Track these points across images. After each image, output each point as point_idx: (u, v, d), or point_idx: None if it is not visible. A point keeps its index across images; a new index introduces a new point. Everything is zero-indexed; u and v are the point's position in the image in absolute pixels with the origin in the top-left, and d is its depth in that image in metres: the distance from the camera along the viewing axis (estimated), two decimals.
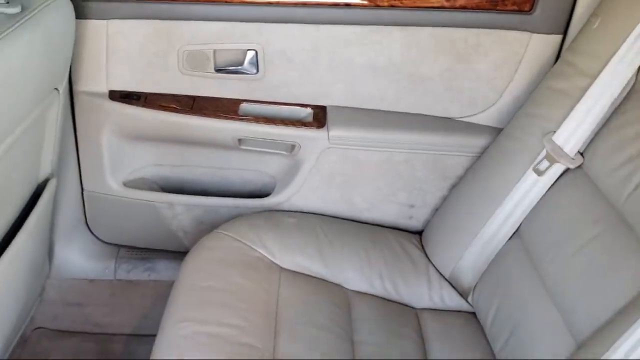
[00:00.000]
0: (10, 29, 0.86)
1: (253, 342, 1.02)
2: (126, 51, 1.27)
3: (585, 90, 1.09)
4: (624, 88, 1.05)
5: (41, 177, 1.15)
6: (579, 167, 1.09)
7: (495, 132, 1.30)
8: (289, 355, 1.02)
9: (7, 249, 1.01)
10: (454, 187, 1.36)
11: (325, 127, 1.33)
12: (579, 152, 1.10)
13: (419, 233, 1.41)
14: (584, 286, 0.95)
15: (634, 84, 1.05)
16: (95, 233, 1.51)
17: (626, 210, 0.96)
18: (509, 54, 1.28)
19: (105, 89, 1.31)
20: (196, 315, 1.04)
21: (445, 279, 1.29)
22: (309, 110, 1.35)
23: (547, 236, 1.09)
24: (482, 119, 1.34)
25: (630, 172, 0.97)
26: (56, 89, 1.08)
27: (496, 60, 1.28)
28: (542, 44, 1.26)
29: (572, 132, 1.10)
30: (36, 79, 0.97)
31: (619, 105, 1.06)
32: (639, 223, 0.92)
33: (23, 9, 0.92)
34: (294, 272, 1.22)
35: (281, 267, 1.22)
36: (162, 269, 1.50)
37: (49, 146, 1.14)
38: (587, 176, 1.08)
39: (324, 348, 1.06)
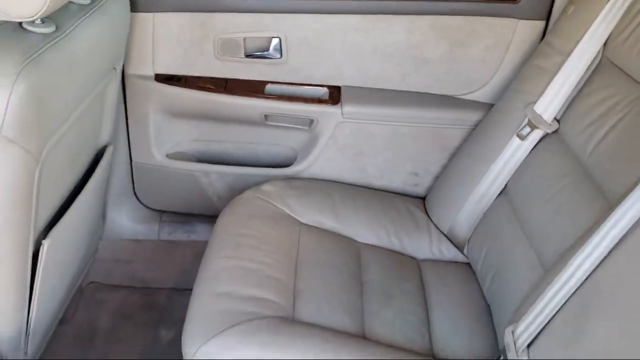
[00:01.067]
0: (85, 16, 1.08)
1: (277, 275, 1.23)
2: (169, 40, 1.50)
3: (560, 66, 1.27)
4: (592, 63, 1.24)
5: (100, 144, 1.38)
6: (555, 131, 1.28)
7: (488, 107, 1.49)
8: (306, 287, 1.22)
9: (72, 205, 1.23)
10: (452, 156, 1.55)
11: (339, 104, 1.53)
12: (555, 118, 1.28)
13: (423, 199, 1.61)
14: (553, 227, 1.13)
15: (600, 59, 1.24)
16: (141, 200, 1.74)
17: (589, 164, 1.14)
18: (499, 38, 1.47)
19: (151, 72, 1.53)
20: (230, 254, 1.25)
21: (444, 234, 1.48)
22: (325, 89, 1.56)
23: (528, 191, 1.27)
24: (477, 96, 1.53)
25: (593, 133, 1.15)
26: (114, 68, 1.31)
27: (488, 44, 1.47)
28: (527, 29, 1.45)
29: (550, 102, 1.28)
30: (101, 59, 1.19)
31: (588, 78, 1.24)
32: (598, 173, 1.10)
33: (92, 1, 1.14)
34: (312, 226, 1.42)
35: (301, 222, 1.42)
36: (199, 231, 1.72)
37: (107, 118, 1.37)
38: (561, 139, 1.26)
39: (336, 283, 1.26)
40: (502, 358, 1.04)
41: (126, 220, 1.73)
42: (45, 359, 1.36)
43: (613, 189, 1.02)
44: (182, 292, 1.71)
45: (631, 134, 1.06)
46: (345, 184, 1.61)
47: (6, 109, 0.85)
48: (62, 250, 1.19)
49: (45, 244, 1.07)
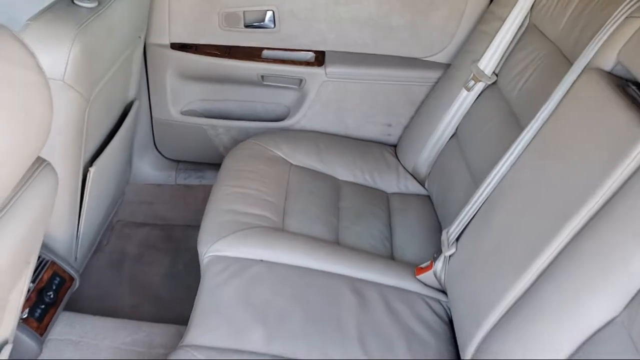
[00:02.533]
0: None
1: (270, 199, 1.55)
2: (182, 14, 1.81)
3: (498, 29, 1.57)
4: (521, 27, 1.54)
5: (129, 98, 1.70)
6: (494, 83, 1.58)
7: (446, 67, 1.79)
8: (293, 208, 1.54)
9: (108, 144, 1.55)
10: (418, 109, 1.86)
11: (323, 66, 1.84)
12: (494, 72, 1.59)
13: (395, 146, 1.92)
14: (484, 153, 1.44)
15: (527, 24, 1.54)
16: (160, 151, 2.07)
17: (513, 104, 1.44)
18: (455, 8, 1.76)
19: (167, 42, 1.85)
20: (233, 183, 1.58)
21: (409, 172, 1.79)
22: (311, 54, 1.87)
23: (471, 130, 1.58)
24: (438, 58, 1.84)
25: (518, 81, 1.46)
26: (139, 37, 1.62)
27: (445, 14, 1.77)
28: (477, 1, 1.74)
29: (489, 59, 1.58)
30: (129, 28, 1.51)
31: (519, 39, 1.54)
32: (518, 110, 1.41)
33: None
34: (300, 166, 1.74)
35: (291, 163, 1.74)
36: (209, 176, 2.05)
37: (133, 78, 1.69)
38: (498, 88, 1.56)
39: (317, 206, 1.58)
40: (437, 255, 1.36)
41: (148, 168, 2.06)
42: (87, 278, 1.69)
43: (526, 120, 1.33)
44: (196, 227, 2.03)
45: (540, 80, 1.37)
46: (329, 134, 1.93)
47: (67, 62, 1.17)
48: (102, 178, 1.52)
49: (92, 170, 1.40)
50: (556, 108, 1.15)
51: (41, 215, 0.86)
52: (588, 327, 0.89)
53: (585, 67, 1.14)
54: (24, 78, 0.68)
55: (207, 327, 1.18)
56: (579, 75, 1.14)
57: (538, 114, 1.20)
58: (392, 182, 1.78)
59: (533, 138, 1.19)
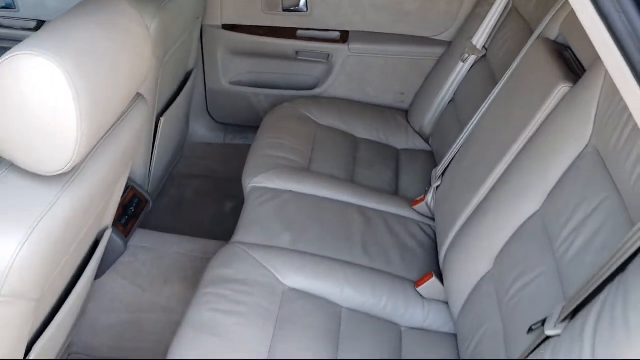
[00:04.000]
0: None
1: (300, 148, 1.94)
2: (234, 0, 2.21)
3: (488, 12, 1.91)
4: (505, 9, 1.87)
5: (189, 68, 2.12)
6: (484, 56, 1.92)
7: (449, 44, 2.14)
8: (318, 156, 1.92)
9: (174, 102, 1.96)
10: (426, 79, 2.22)
11: (347, 43, 2.22)
12: (484, 47, 1.93)
13: (407, 112, 2.28)
14: (470, 108, 1.78)
15: (510, 7, 1.87)
16: (212, 115, 2.49)
17: (497, 72, 1.79)
18: None
19: (219, 23, 2.26)
20: (270, 135, 1.98)
21: (417, 132, 2.15)
22: (337, 33, 2.26)
23: (464, 96, 1.93)
24: (443, 37, 2.19)
25: (499, 51, 1.80)
26: (198, 18, 2.04)
27: (449, 0, 2.12)
28: None
29: (480, 36, 1.93)
30: (192, 10, 1.92)
31: (504, 19, 1.88)
32: (497, 71, 1.75)
33: None
34: (325, 126, 2.12)
35: (318, 123, 2.12)
36: (251, 137, 2.42)
37: (193, 51, 2.10)
38: (487, 60, 1.91)
39: (338, 156, 1.96)
40: (428, 188, 1.73)
41: (202, 130, 2.49)
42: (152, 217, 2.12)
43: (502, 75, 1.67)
44: (240, 179, 2.45)
45: (515, 52, 1.70)
46: (351, 100, 2.31)
47: (149, 32, 1.58)
48: (168, 127, 1.93)
49: (162, 120, 1.82)
50: (514, 70, 1.50)
51: (136, 137, 1.24)
52: (519, 218, 1.25)
53: (537, 37, 1.48)
54: (133, 28, 1.07)
55: (248, 232, 1.58)
56: (532, 44, 1.48)
57: (504, 75, 1.55)
58: (402, 140, 2.14)
59: (497, 94, 1.55)
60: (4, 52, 2.22)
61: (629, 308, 0.78)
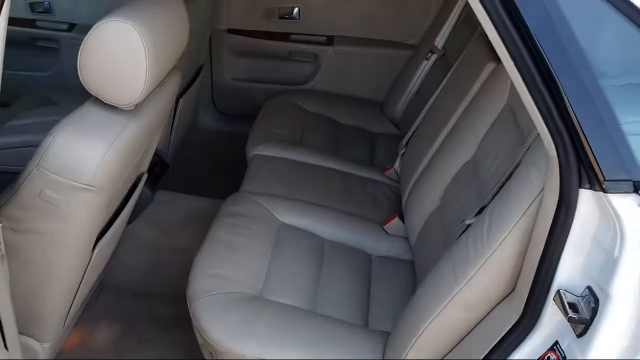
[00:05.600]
0: None
1: (290, 127, 2.36)
2: (236, 9, 2.65)
3: (446, 19, 2.37)
4: (462, 12, 2.32)
5: (200, 63, 2.54)
6: (444, 55, 2.37)
7: (417, 47, 2.59)
8: (308, 135, 2.34)
9: (188, 89, 2.37)
10: (397, 76, 2.66)
11: (332, 46, 2.67)
12: (444, 47, 2.37)
13: (381, 103, 2.71)
14: (441, 99, 2.22)
15: (465, 14, 2.32)
16: (217, 107, 2.91)
17: (452, 64, 2.22)
18: (423, 6, 2.57)
19: (226, 27, 2.70)
20: (267, 118, 2.39)
21: (389, 119, 2.59)
22: (324, 37, 2.71)
23: (428, 88, 2.37)
24: (412, 41, 2.65)
25: (457, 48, 2.24)
26: (209, 21, 2.47)
27: (417, 11, 2.58)
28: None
29: (441, 38, 2.37)
30: (204, 13, 2.34)
31: (462, 20, 2.33)
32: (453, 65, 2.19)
33: None
34: (313, 112, 2.54)
35: (307, 110, 2.55)
36: (250, 125, 2.86)
37: (203, 49, 2.52)
38: (447, 58, 2.35)
39: (323, 137, 2.38)
40: (395, 157, 2.15)
41: (209, 119, 2.90)
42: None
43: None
44: (240, 160, 2.85)
45: (465, 45, 2.14)
46: (335, 93, 2.74)
47: None
48: (185, 108, 2.33)
49: (181, 100, 2.22)
50: (460, 60, 1.95)
51: (172, 96, 1.65)
52: (457, 165, 1.67)
53: (479, 32, 1.93)
54: (178, 13, 1.48)
55: (252, 185, 1.99)
56: (474, 38, 1.93)
57: (454, 64, 2.00)
58: (377, 126, 2.58)
59: (447, 79, 1.99)
60: (42, 50, 2.81)
61: (504, 197, 1.20)
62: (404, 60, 2.64)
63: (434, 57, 2.39)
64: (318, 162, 2.18)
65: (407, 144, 2.14)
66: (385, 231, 1.89)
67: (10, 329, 1.21)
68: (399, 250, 1.85)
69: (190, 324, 1.58)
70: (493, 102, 1.62)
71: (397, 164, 2.14)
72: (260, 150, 2.19)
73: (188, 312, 1.55)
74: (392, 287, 1.70)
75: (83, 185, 1.21)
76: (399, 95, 2.54)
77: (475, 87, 1.72)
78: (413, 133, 2.12)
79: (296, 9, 2.65)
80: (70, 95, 2.20)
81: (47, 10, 2.72)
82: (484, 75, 1.70)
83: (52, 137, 1.20)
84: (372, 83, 2.72)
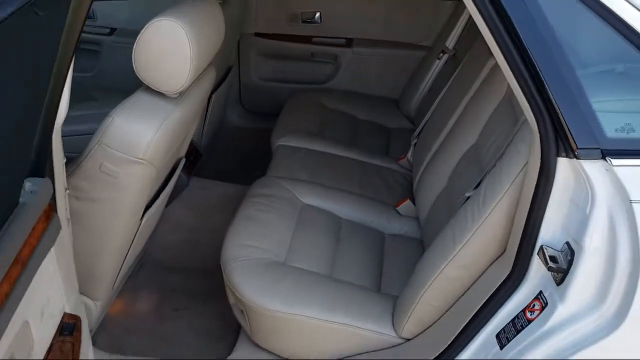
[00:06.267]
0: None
1: (312, 121, 2.56)
2: (263, 14, 2.87)
3: (457, 22, 2.55)
4: (470, 18, 2.51)
5: (230, 63, 2.76)
6: (455, 54, 2.56)
7: (431, 48, 2.79)
8: (327, 128, 2.55)
9: (219, 87, 2.59)
10: (412, 75, 2.85)
11: (351, 47, 2.88)
12: (454, 47, 2.56)
13: (397, 100, 2.91)
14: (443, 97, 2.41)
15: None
16: (243, 105, 3.13)
17: (460, 57, 2.41)
18: (435, 10, 2.76)
19: (253, 31, 2.92)
20: (291, 112, 2.60)
21: (404, 116, 2.78)
22: (343, 40, 2.92)
23: (440, 86, 2.56)
24: (425, 42, 2.85)
25: (466, 47, 2.43)
26: (238, 26, 2.69)
27: (430, 14, 2.77)
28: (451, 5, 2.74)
29: (452, 38, 2.57)
30: (238, 21, 2.56)
31: (471, 23, 2.52)
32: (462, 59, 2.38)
33: None
34: (334, 109, 2.75)
35: (328, 107, 2.75)
36: (274, 122, 3.08)
37: (232, 48, 2.75)
38: (457, 58, 2.54)
39: (342, 130, 2.58)
40: (409, 148, 2.34)
41: (235, 117, 3.12)
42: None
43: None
44: (264, 155, 3.07)
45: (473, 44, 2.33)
46: (354, 92, 2.94)
47: None
48: (216, 104, 2.56)
49: (213, 96, 2.44)
50: (467, 57, 2.14)
51: (209, 88, 1.86)
52: (462, 149, 1.86)
53: None
54: (217, 18, 1.70)
55: (277, 171, 2.19)
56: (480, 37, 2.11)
57: (462, 60, 2.19)
58: (393, 121, 2.77)
59: (455, 75, 2.18)
60: (85, 52, 3.04)
61: (497, 170, 1.39)
62: (418, 60, 2.83)
63: (445, 56, 2.58)
64: (337, 152, 2.38)
65: (418, 135, 2.33)
66: (398, 212, 2.08)
67: (73, 286, 1.42)
68: (410, 229, 2.04)
69: (222, 295, 1.78)
70: (493, 93, 1.80)
71: (409, 154, 2.33)
72: (284, 141, 2.40)
73: (220, 284, 1.76)
74: (402, 261, 1.88)
75: (136, 159, 1.43)
76: (413, 93, 2.73)
77: (478, 81, 1.91)
78: (424, 125, 2.31)
79: (318, 14, 2.86)
80: (107, 93, 2.43)
81: (90, 16, 2.97)
82: (485, 70, 1.89)
83: (111, 118, 1.42)
84: (389, 82, 2.92)
